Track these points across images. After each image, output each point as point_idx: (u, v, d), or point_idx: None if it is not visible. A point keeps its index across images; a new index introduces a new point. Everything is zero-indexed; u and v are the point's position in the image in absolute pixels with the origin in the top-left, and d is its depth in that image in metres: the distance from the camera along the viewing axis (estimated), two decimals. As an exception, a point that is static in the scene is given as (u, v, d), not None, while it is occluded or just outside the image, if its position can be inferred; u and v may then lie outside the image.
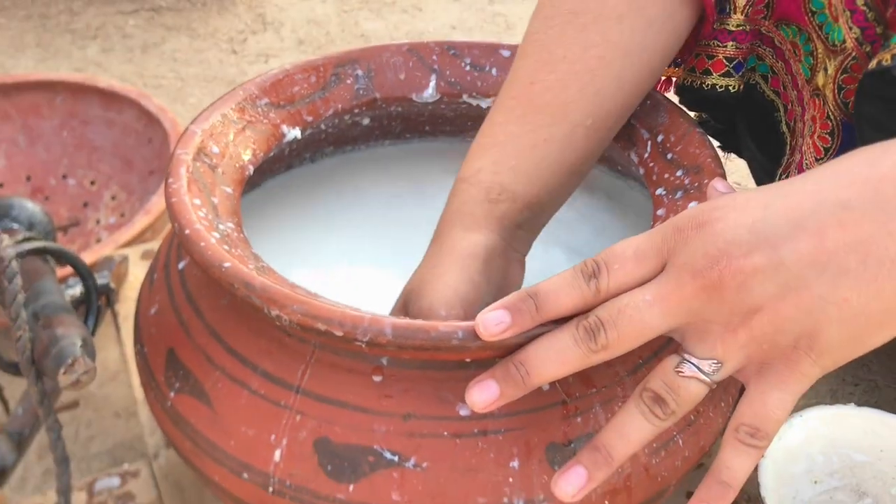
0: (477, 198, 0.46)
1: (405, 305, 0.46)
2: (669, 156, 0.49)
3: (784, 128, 0.56)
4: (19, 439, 0.57)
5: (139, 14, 1.50)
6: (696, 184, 0.46)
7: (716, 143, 0.67)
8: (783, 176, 0.55)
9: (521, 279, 0.49)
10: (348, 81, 0.56)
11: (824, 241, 0.32)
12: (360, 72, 0.56)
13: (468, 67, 0.58)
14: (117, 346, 0.70)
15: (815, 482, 0.47)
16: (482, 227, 0.46)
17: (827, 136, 0.50)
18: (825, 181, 0.33)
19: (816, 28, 0.49)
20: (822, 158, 0.50)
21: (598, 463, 0.35)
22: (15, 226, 0.69)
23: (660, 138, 0.50)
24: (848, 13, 0.47)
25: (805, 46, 0.51)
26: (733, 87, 0.56)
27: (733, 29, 0.54)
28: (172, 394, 0.44)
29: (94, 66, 1.36)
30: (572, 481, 0.35)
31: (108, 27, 1.47)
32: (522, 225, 0.48)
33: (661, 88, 0.60)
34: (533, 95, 0.48)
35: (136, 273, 0.72)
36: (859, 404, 0.49)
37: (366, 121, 0.57)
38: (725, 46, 0.55)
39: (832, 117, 0.49)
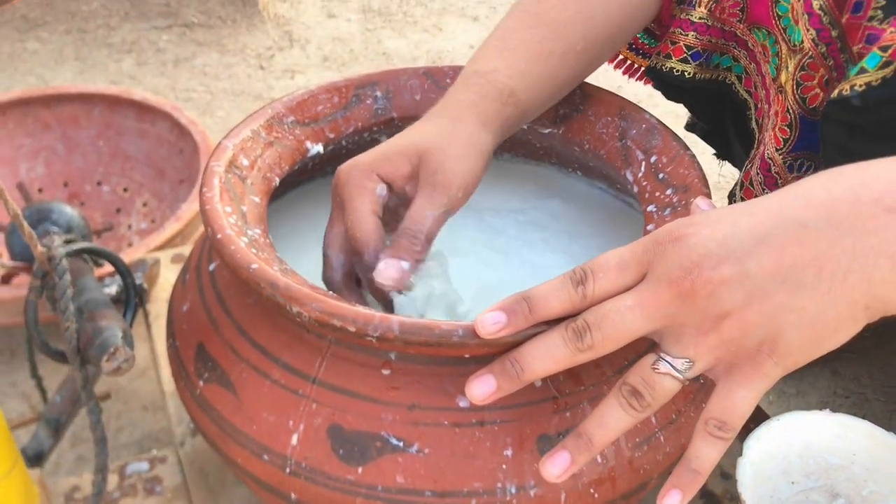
0: (492, 95, 0.52)
1: (418, 164, 0.49)
2: (661, 176, 0.53)
3: (754, 124, 0.62)
4: (56, 426, 0.62)
5: (172, 30, 1.56)
6: (684, 202, 0.50)
7: (711, 151, 0.72)
8: (749, 166, 0.60)
9: None
10: (368, 102, 0.60)
11: (784, 256, 0.36)
12: (378, 93, 0.61)
13: (479, 90, 0.62)
14: (147, 344, 0.75)
15: (792, 482, 0.50)
16: (489, 127, 0.51)
17: (786, 128, 0.55)
18: (787, 202, 0.37)
19: (781, 31, 0.55)
20: (780, 148, 0.55)
21: (580, 448, 0.39)
22: (55, 228, 0.74)
23: (653, 159, 0.54)
24: (806, 16, 0.52)
25: (773, 48, 0.56)
26: (688, 73, 0.63)
27: (696, 21, 0.61)
28: (201, 383, 0.48)
29: (129, 79, 1.42)
30: (557, 463, 0.39)
31: (143, 42, 1.52)
32: (509, 129, 0.54)
33: (630, 75, 0.69)
34: (540, 10, 0.55)
35: (167, 275, 0.76)
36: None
37: (383, 138, 0.61)
38: (687, 35, 0.62)
39: (791, 111, 0.54)
